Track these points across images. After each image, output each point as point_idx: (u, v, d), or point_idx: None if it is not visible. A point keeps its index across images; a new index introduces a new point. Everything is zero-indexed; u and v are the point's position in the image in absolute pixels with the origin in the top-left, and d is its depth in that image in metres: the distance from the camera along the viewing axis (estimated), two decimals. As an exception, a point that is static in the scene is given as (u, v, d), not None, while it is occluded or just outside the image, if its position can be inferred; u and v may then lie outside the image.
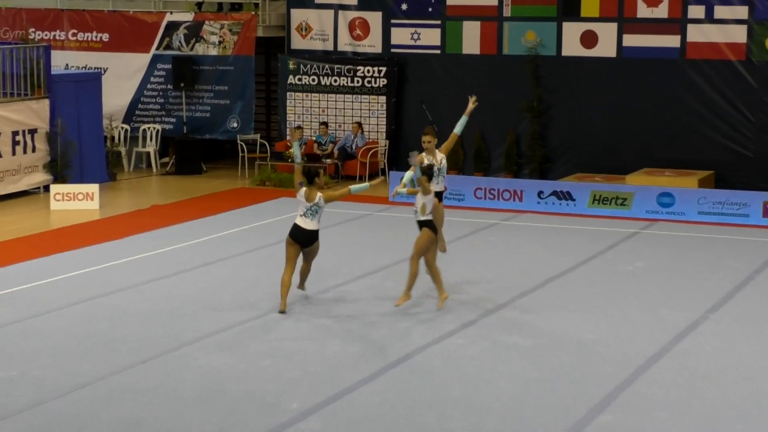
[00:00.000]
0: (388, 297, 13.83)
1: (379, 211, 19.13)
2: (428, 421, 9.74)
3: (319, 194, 13.35)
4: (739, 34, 21.24)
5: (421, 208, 13.19)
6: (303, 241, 13.33)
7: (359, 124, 23.26)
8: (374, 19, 23.85)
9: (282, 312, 13.03)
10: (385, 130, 23.66)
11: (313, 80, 24.11)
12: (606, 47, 22.14)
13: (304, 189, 13.37)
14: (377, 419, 9.76)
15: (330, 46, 24.26)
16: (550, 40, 22.49)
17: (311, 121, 24.06)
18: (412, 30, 23.55)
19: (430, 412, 9.93)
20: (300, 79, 24.21)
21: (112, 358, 11.37)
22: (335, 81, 23.96)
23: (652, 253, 16.55)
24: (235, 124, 24.54)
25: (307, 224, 13.32)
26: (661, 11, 21.70)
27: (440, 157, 14.07)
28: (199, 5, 25.44)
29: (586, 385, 10.60)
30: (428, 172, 13.22)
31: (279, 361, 11.28)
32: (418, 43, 23.52)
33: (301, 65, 24.15)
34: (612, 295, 14.03)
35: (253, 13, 24.44)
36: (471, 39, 23.04)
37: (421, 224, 13.22)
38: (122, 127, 24.81)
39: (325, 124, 23.61)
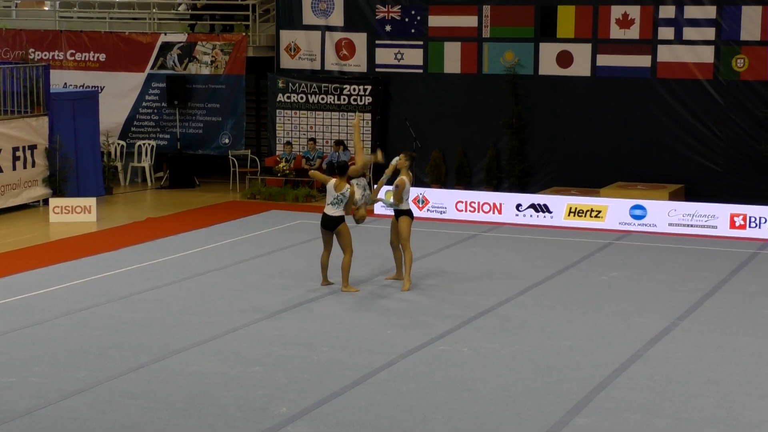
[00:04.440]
0: (373, 305, 13.83)
1: (366, 222, 19.10)
2: (412, 424, 9.73)
3: (347, 186, 14.33)
4: (707, 55, 21.34)
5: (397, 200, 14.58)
6: (331, 226, 14.38)
7: (338, 143, 23.19)
8: (359, 39, 23.88)
9: (325, 284, 14.63)
10: (370, 146, 23.66)
11: (302, 98, 24.12)
12: (581, 67, 22.22)
13: (333, 180, 14.28)
14: (363, 423, 9.74)
15: (317, 66, 24.28)
16: (528, 60, 22.56)
17: (300, 138, 24.07)
18: (396, 50, 23.59)
19: (414, 416, 9.92)
20: (289, 97, 24.22)
21: (108, 364, 11.34)
22: (322, 99, 23.97)
23: (625, 263, 16.58)
24: (227, 140, 24.52)
25: (332, 211, 14.32)
26: (633, 32, 21.79)
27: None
28: (192, 26, 25.44)
29: (562, 390, 10.61)
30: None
31: (268, 368, 11.26)
32: (402, 62, 23.55)
33: (290, 84, 24.16)
34: (587, 303, 14.05)
35: (243, 34, 24.45)
36: (452, 59, 23.09)
37: (400, 213, 14.65)
38: (118, 143, 24.78)
39: (313, 140, 23.62)
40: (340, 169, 14.51)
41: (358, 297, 14.28)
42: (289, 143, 23.69)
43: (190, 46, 24.66)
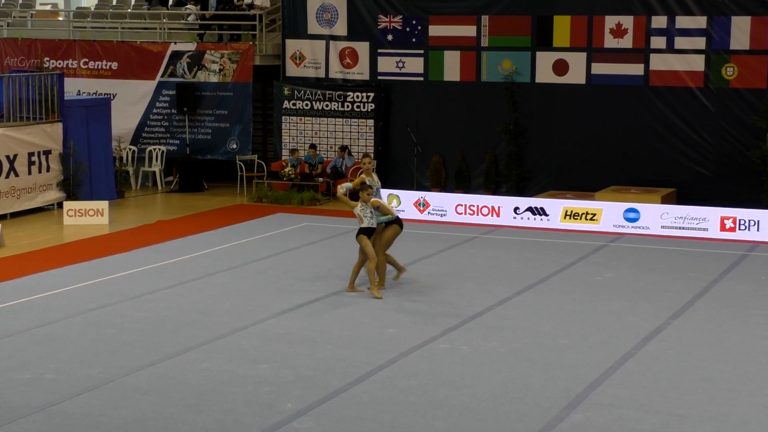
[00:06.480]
0: (375, 305, 13.83)
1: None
2: (413, 420, 9.73)
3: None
4: (698, 63, 21.34)
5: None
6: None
7: (342, 149, 23.20)
8: (362, 48, 23.90)
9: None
10: (372, 151, 23.67)
11: (306, 105, 24.14)
12: (576, 75, 22.22)
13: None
14: (366, 418, 9.75)
15: (322, 74, 24.29)
16: (525, 68, 22.56)
17: (305, 143, 24.07)
18: (398, 59, 23.61)
19: (415, 412, 9.93)
20: (294, 104, 24.23)
21: (120, 362, 11.34)
22: (327, 106, 23.98)
23: (619, 264, 16.57)
24: (234, 146, 24.53)
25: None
26: (626, 42, 21.80)
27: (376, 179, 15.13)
28: (201, 36, 25.45)
29: (558, 387, 10.60)
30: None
31: (274, 365, 11.26)
32: (403, 70, 23.57)
33: (295, 91, 24.17)
34: (583, 303, 14.04)
35: (250, 43, 24.46)
36: (452, 67, 23.10)
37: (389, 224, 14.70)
38: (130, 149, 24.79)
39: (314, 146, 23.61)
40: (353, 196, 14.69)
41: (361, 297, 14.28)
42: (295, 150, 23.65)
43: (199, 55, 24.68)
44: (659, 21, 21.55)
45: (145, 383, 10.67)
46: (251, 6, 25.04)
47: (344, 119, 23.89)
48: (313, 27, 24.20)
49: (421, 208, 20.31)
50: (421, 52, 23.40)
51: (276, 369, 11.14)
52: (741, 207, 19.16)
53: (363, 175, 14.93)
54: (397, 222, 14.74)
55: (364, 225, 14.41)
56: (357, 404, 10.11)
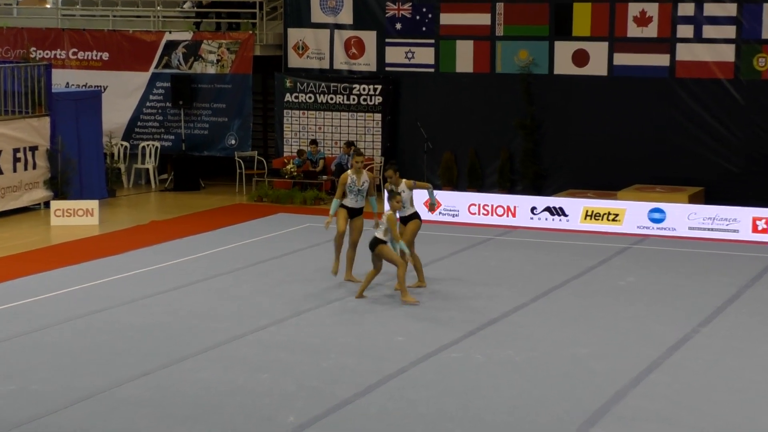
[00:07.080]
0: (383, 311, 13.81)
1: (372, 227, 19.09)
2: (423, 433, 9.72)
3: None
4: (727, 53, 21.29)
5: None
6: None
7: (348, 145, 23.13)
8: (369, 38, 23.89)
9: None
10: (380, 146, 23.66)
11: (310, 98, 24.13)
12: (597, 66, 22.19)
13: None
14: (374, 431, 9.74)
15: (326, 65, 24.30)
16: (543, 59, 22.53)
17: (308, 139, 24.06)
18: (407, 49, 23.59)
19: (425, 424, 9.90)
20: (297, 97, 24.23)
21: (112, 371, 11.33)
22: (331, 99, 23.98)
23: (643, 268, 16.53)
24: (233, 142, 24.54)
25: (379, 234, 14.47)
26: (651, 31, 21.76)
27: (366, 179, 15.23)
28: (198, 25, 25.46)
29: (578, 399, 10.58)
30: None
31: (276, 375, 11.25)
32: (413, 61, 23.55)
33: (298, 83, 24.17)
34: (604, 310, 14.01)
35: (250, 32, 24.47)
36: (464, 58, 23.08)
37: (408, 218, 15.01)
38: (122, 144, 24.81)
39: (315, 142, 23.60)
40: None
41: (367, 303, 14.25)
42: (302, 151, 23.58)
43: (196, 45, 24.69)
44: (686, 8, 21.50)
45: (139, 394, 10.66)
46: (251, -7, 25.08)
47: (350, 113, 23.88)
48: (317, 15, 24.21)
49: (432, 208, 20.26)
50: (432, 41, 23.38)
51: (277, 379, 11.13)
52: (773, 207, 19.12)
53: (349, 172, 15.04)
54: (416, 216, 15.02)
55: (380, 237, 14.27)
56: (364, 416, 10.09)
